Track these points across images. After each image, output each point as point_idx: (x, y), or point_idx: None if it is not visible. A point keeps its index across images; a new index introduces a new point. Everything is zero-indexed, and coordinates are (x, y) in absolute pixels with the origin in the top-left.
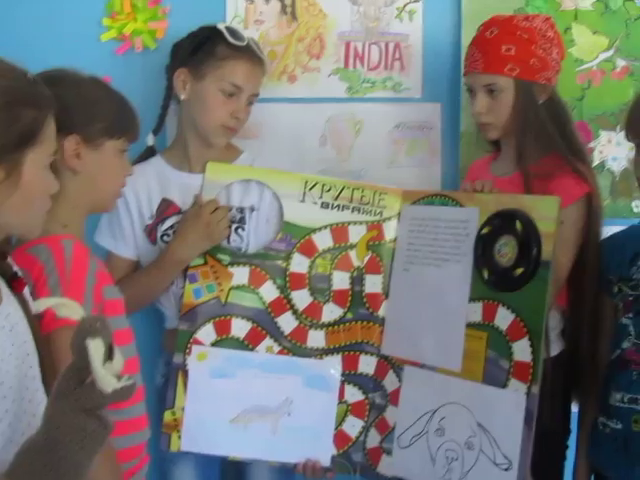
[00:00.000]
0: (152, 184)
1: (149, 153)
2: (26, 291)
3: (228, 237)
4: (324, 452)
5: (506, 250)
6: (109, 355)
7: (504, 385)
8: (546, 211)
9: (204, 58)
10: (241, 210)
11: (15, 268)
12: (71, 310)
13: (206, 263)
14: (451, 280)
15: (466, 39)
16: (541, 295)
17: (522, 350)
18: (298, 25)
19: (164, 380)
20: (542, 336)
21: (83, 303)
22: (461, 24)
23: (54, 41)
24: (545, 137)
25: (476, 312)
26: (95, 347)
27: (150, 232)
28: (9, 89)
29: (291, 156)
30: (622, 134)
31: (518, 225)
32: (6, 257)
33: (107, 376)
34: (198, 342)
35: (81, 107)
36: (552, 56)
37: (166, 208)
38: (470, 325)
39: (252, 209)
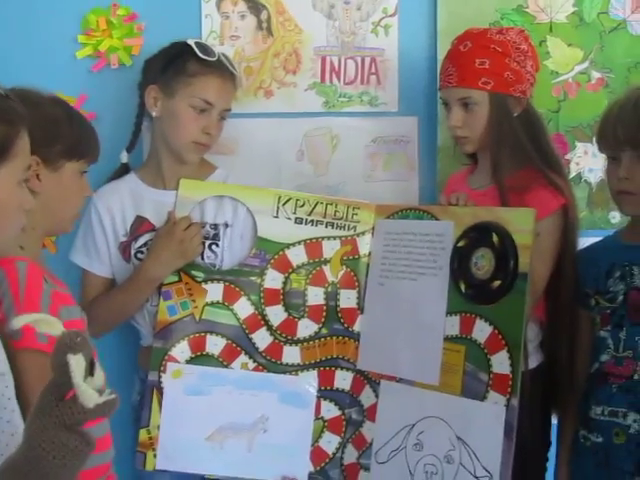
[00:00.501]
0: (126, 201)
1: (123, 170)
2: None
3: (202, 253)
4: (301, 469)
5: (483, 263)
6: (90, 370)
7: (483, 398)
8: (522, 223)
9: (174, 74)
10: (215, 226)
11: None
12: (51, 326)
13: (180, 280)
14: (427, 294)
15: (442, 53)
16: (519, 307)
17: (501, 362)
18: (274, 40)
19: (140, 397)
20: (521, 348)
21: None
22: (437, 38)
23: (29, 58)
24: (520, 150)
25: (453, 325)
26: (76, 363)
27: (124, 250)
28: None
29: (268, 172)
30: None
31: (495, 238)
32: None
33: (89, 391)
34: (173, 359)
35: (41, 128)
36: (526, 69)
37: (140, 225)
38: (448, 339)
39: (226, 225)
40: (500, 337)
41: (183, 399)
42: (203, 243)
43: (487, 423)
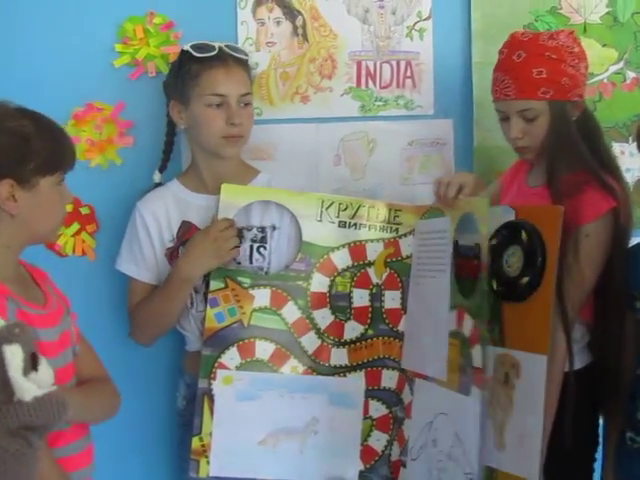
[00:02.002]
0: (171, 207)
1: (158, 187)
2: None
3: (250, 257)
4: (351, 468)
5: (513, 260)
6: (33, 365)
7: (468, 393)
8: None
9: (183, 83)
10: (262, 229)
11: None
12: None
13: (227, 287)
14: (438, 290)
15: (476, 55)
16: (483, 298)
17: (477, 355)
18: (309, 46)
19: (185, 402)
20: (486, 341)
21: None
22: (471, 41)
23: (67, 67)
24: (576, 153)
25: (453, 320)
26: (12, 353)
27: (171, 255)
28: None
29: (306, 176)
30: (634, 145)
31: (523, 235)
32: None
33: (25, 383)
34: (223, 366)
35: (11, 147)
36: (581, 71)
37: (187, 230)
38: (450, 334)
39: (273, 228)
40: (476, 329)
41: (235, 405)
42: (237, 247)
43: (471, 418)
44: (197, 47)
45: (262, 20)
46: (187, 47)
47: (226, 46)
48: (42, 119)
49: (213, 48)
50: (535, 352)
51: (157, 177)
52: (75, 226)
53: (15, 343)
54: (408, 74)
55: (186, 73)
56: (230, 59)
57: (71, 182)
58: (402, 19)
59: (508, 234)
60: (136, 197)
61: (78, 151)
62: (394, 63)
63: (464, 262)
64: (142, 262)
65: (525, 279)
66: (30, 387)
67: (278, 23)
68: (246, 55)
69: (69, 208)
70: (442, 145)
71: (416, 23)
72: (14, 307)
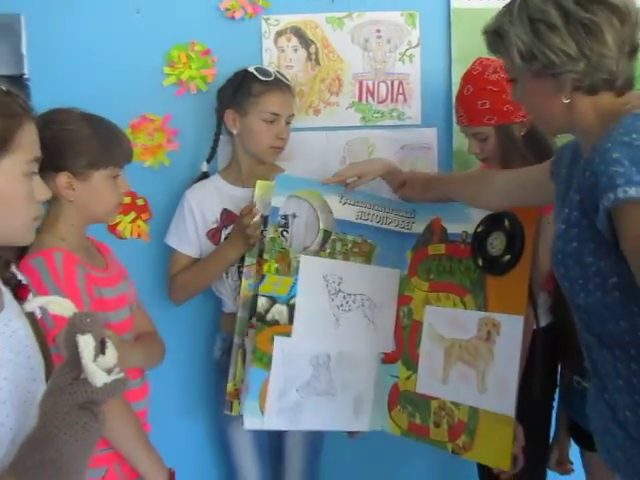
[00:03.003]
0: (212, 196)
1: (203, 176)
2: (30, 298)
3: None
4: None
5: (497, 243)
6: (101, 350)
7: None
8: (527, 214)
9: (244, 97)
10: (285, 217)
11: (20, 277)
12: (61, 307)
13: (258, 263)
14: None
15: (455, 76)
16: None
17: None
18: (320, 69)
19: (220, 353)
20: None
21: (81, 300)
22: (451, 64)
23: (125, 86)
24: (525, 162)
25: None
26: (85, 342)
27: (213, 235)
28: None
29: (317, 174)
30: None
31: (506, 223)
32: (9, 266)
33: (97, 371)
34: (253, 326)
35: (68, 147)
36: None
37: (227, 216)
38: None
39: (294, 216)
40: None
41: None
42: (261, 233)
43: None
44: (260, 70)
45: (282, 48)
46: (252, 69)
47: (278, 72)
48: (100, 123)
49: (271, 73)
50: (514, 314)
51: (204, 167)
52: (132, 215)
53: (87, 333)
54: (400, 91)
55: (248, 90)
56: (283, 85)
57: (129, 179)
58: (395, 47)
59: (492, 223)
60: (181, 190)
61: (134, 154)
62: (389, 82)
63: (454, 246)
64: (185, 238)
65: (506, 257)
66: (101, 375)
67: (295, 50)
68: (290, 81)
69: (127, 200)
70: (428, 149)
71: (406, 50)
72: (82, 272)
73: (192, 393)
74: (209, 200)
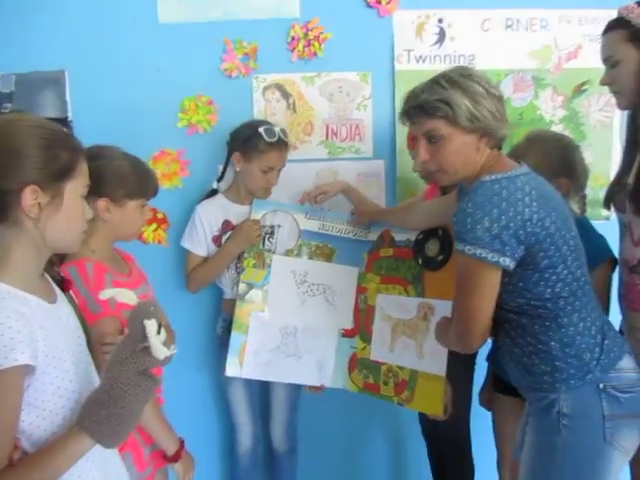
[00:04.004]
0: (217, 210)
1: (213, 192)
2: (71, 291)
3: (263, 242)
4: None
5: (432, 247)
6: (158, 331)
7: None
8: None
9: (250, 149)
10: (272, 227)
11: (62, 274)
12: (127, 297)
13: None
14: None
15: (398, 121)
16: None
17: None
18: (297, 115)
19: (222, 330)
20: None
21: (108, 301)
22: (395, 111)
23: (149, 127)
24: None
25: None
26: (151, 325)
27: (216, 240)
28: (49, 135)
29: (296, 195)
30: None
31: (440, 232)
32: (55, 266)
33: (161, 348)
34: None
35: (110, 178)
36: None
37: (227, 226)
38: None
39: (279, 226)
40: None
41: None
42: (261, 235)
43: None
44: (267, 132)
45: (268, 99)
46: (261, 130)
47: (281, 131)
48: (137, 162)
49: (275, 134)
50: (445, 299)
51: (215, 185)
52: (154, 225)
53: (152, 318)
54: (357, 132)
55: (254, 145)
56: (282, 144)
57: (153, 199)
58: (353, 99)
59: (429, 232)
60: (192, 207)
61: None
62: (348, 125)
63: (400, 249)
64: (197, 241)
65: (440, 257)
66: (164, 350)
67: (278, 101)
68: (287, 138)
69: (150, 215)
70: (377, 176)
71: (362, 101)
72: (110, 279)
73: (200, 361)
74: (214, 213)
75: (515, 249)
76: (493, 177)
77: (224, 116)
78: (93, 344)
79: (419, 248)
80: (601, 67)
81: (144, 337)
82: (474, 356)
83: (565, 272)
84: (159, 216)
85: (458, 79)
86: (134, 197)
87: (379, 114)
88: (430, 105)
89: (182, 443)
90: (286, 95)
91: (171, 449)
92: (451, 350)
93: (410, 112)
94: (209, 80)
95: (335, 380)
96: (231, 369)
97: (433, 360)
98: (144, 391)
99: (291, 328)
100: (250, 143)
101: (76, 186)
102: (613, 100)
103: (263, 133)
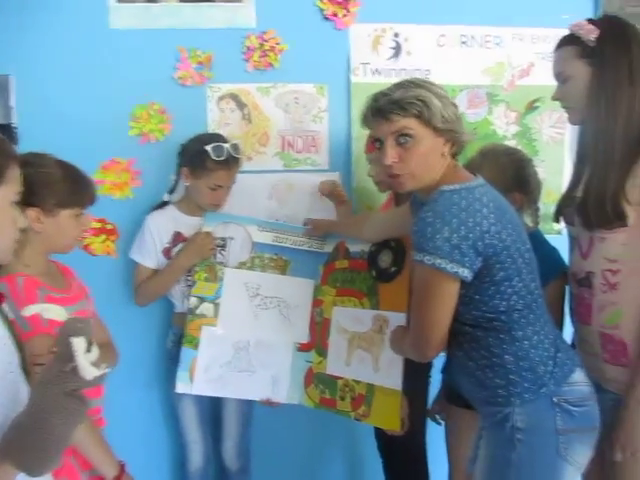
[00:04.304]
0: (167, 222)
1: (163, 204)
2: (5, 305)
3: (215, 255)
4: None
5: (385, 258)
6: (88, 348)
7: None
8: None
9: (197, 166)
10: (223, 239)
11: None
12: (55, 313)
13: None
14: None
15: (354, 132)
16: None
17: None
18: (252, 126)
19: (172, 344)
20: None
21: (39, 317)
22: (350, 124)
23: (98, 135)
24: None
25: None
26: (78, 343)
27: (166, 252)
28: None
29: (250, 206)
30: None
31: (392, 243)
32: None
33: (89, 367)
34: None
35: (39, 187)
36: None
37: (177, 237)
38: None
39: (231, 238)
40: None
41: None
42: (214, 249)
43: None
44: (215, 151)
45: (223, 109)
46: (209, 148)
47: (232, 147)
48: (70, 168)
49: (224, 152)
50: (398, 311)
51: (166, 197)
52: (103, 236)
53: (81, 335)
54: (313, 144)
55: (202, 163)
56: (232, 162)
57: (102, 209)
58: (309, 110)
59: (382, 244)
60: (142, 218)
61: (105, 189)
62: (304, 137)
63: (355, 261)
64: (146, 253)
65: (393, 269)
66: (92, 370)
67: (232, 111)
68: (240, 153)
69: (98, 225)
70: None
71: (318, 113)
72: (43, 294)
73: (150, 376)
74: (165, 224)
75: (473, 260)
76: (452, 187)
77: (177, 125)
78: (27, 365)
79: (372, 260)
80: (553, 84)
81: (72, 356)
82: (429, 369)
83: (520, 285)
84: (108, 227)
85: (424, 83)
86: (67, 206)
87: (335, 126)
88: (406, 101)
89: (122, 467)
90: (241, 105)
91: (110, 474)
92: (407, 363)
93: (384, 108)
94: (162, 88)
95: (290, 396)
96: (181, 385)
97: (389, 374)
98: (72, 414)
99: (244, 342)
100: (198, 160)
101: (5, 192)
102: (565, 116)
103: (211, 152)
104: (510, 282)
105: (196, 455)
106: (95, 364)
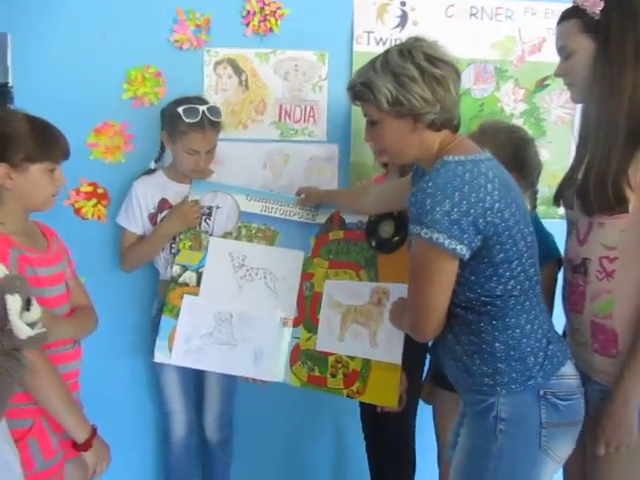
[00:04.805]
0: (154, 188)
1: (150, 171)
2: None
3: (200, 224)
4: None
5: (386, 228)
6: (27, 307)
7: None
8: None
9: (172, 130)
10: (210, 208)
11: None
12: None
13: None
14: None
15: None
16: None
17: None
18: (249, 93)
19: (156, 312)
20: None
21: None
22: None
23: (92, 98)
24: None
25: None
26: (13, 301)
27: (152, 218)
28: None
29: (244, 176)
30: None
31: (395, 212)
32: None
33: (22, 326)
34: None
35: (8, 141)
36: None
37: (164, 204)
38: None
39: (217, 207)
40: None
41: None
42: (200, 217)
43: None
44: (187, 112)
45: (220, 74)
46: (180, 110)
47: (208, 110)
48: (39, 123)
49: (197, 114)
50: (400, 282)
51: (152, 165)
52: (94, 201)
53: (15, 293)
54: (311, 114)
55: (176, 126)
56: (207, 123)
57: (92, 173)
58: (309, 79)
59: (384, 213)
60: (135, 179)
61: (97, 152)
62: (303, 107)
63: (351, 232)
64: (132, 219)
65: (396, 238)
66: (25, 329)
67: (230, 77)
68: (220, 117)
69: (89, 189)
70: (331, 160)
71: (317, 82)
72: (16, 253)
73: (136, 344)
74: (151, 190)
75: (473, 238)
76: (457, 158)
77: (173, 89)
78: None
79: (372, 230)
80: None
81: (6, 314)
82: (427, 343)
83: (519, 269)
84: (99, 191)
85: (394, 60)
86: (36, 160)
87: (335, 96)
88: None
89: (94, 431)
90: (239, 71)
91: (80, 437)
92: (407, 337)
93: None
94: (158, 51)
95: (273, 373)
96: (160, 355)
97: (388, 348)
98: (7, 373)
99: (226, 314)
100: (172, 123)
101: None
102: None
103: (182, 114)
104: (509, 265)
105: (178, 425)
106: (33, 324)
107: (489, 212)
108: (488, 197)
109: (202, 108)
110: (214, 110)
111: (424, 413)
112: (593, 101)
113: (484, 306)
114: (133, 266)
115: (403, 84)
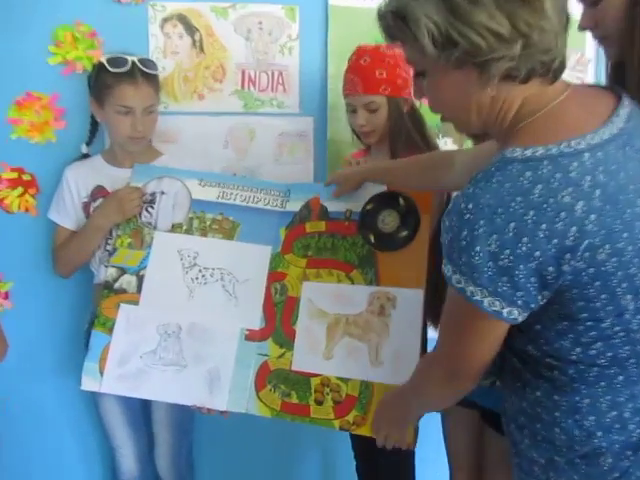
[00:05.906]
0: (89, 174)
1: (83, 157)
2: None
3: (140, 214)
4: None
5: (389, 220)
6: None
7: None
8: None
9: (99, 88)
10: (152, 194)
11: None
12: None
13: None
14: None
15: (331, 68)
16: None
17: None
18: (205, 56)
19: (88, 325)
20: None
21: None
22: (327, 57)
23: (9, 64)
24: (410, 137)
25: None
26: None
27: (85, 208)
28: None
29: (202, 156)
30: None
31: (401, 201)
32: None
33: None
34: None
35: None
36: (410, 75)
37: (99, 192)
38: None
39: (162, 193)
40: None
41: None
42: (140, 206)
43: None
44: (111, 61)
45: (168, 34)
46: (103, 60)
47: (139, 60)
48: None
49: (125, 63)
50: (412, 287)
51: (84, 149)
52: (20, 189)
53: None
54: (280, 81)
55: (102, 82)
56: (139, 75)
57: (16, 155)
58: (276, 39)
59: (383, 201)
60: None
61: (21, 130)
62: (270, 72)
63: (336, 224)
64: (64, 213)
65: (403, 233)
66: None
67: (181, 37)
68: (156, 69)
69: (14, 175)
70: (305, 136)
71: (286, 43)
72: None
73: (71, 363)
74: (84, 177)
75: (533, 297)
76: (524, 153)
77: (111, 52)
78: None
79: (369, 222)
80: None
81: None
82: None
83: (617, 328)
84: (26, 178)
85: None
86: None
87: (308, 60)
88: (386, 23)
89: None
90: (191, 30)
91: None
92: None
93: (380, 31)
94: (91, 5)
95: (234, 401)
96: (88, 380)
97: (397, 368)
98: None
99: (173, 327)
100: (98, 81)
101: None
102: (585, 57)
103: (105, 63)
104: (599, 323)
105: (126, 461)
106: None
107: (569, 254)
108: (574, 228)
109: (132, 58)
110: (147, 62)
111: (430, 426)
112: (631, 55)
113: (549, 370)
114: (68, 269)
115: (458, 10)
